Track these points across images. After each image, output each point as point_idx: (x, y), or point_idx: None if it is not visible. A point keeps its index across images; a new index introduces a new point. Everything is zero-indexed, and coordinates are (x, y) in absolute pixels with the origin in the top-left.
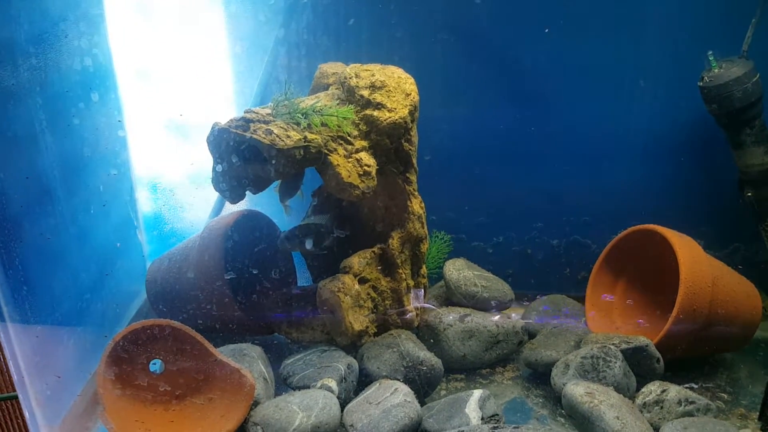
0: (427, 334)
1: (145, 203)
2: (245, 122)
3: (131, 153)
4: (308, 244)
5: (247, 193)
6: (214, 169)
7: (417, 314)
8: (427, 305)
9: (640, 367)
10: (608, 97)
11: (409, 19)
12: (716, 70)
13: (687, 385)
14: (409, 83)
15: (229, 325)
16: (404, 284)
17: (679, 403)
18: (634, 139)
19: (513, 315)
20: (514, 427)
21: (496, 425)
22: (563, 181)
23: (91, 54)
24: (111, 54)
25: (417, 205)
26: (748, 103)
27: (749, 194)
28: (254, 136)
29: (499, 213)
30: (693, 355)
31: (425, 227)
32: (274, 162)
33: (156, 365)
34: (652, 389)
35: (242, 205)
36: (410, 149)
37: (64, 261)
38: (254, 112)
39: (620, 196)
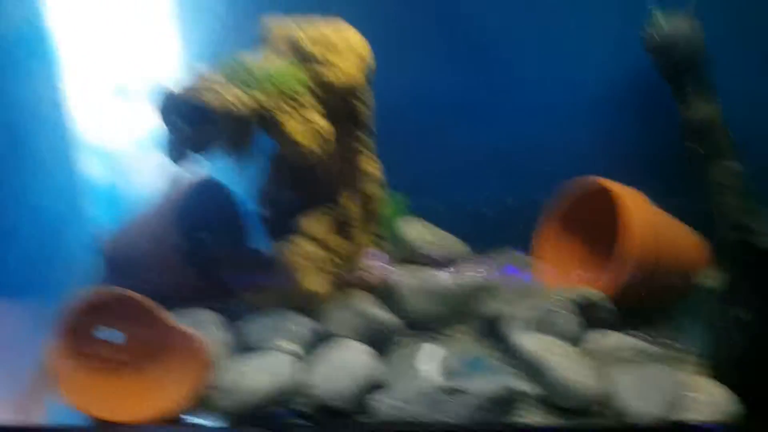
0: (384, 292)
1: (92, 169)
2: (191, 83)
3: (77, 119)
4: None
5: (203, 159)
6: (162, 135)
7: (373, 274)
8: (383, 265)
9: (590, 317)
10: (555, 51)
11: None
12: (660, 22)
13: (635, 334)
14: (361, 43)
15: (185, 292)
16: (360, 245)
17: (627, 351)
18: (581, 93)
19: (467, 271)
20: (468, 380)
21: (450, 378)
22: (514, 138)
23: (29, 16)
24: (50, 15)
25: (372, 165)
26: (691, 54)
27: (692, 146)
28: (202, 99)
29: (453, 172)
30: (640, 304)
31: (381, 188)
32: (223, 125)
33: (109, 334)
34: (602, 339)
35: (196, 169)
36: (364, 110)
37: (8, 231)
38: (201, 74)
39: (569, 150)
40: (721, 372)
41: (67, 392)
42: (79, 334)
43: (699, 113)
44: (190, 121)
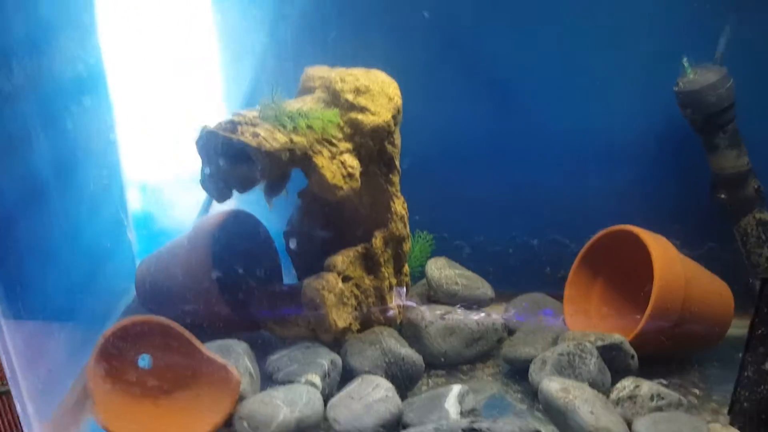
0: (409, 331)
1: (135, 202)
2: (233, 125)
3: (122, 153)
4: (292, 244)
5: (235, 192)
6: (202, 170)
7: (399, 312)
8: (409, 303)
9: (614, 363)
10: (586, 99)
11: (392, 23)
12: (691, 76)
13: (659, 381)
14: (392, 87)
15: (216, 322)
16: (387, 282)
17: (651, 398)
18: (612, 141)
19: (493, 313)
20: (492, 421)
21: (474, 419)
22: (541, 182)
23: (82, 60)
24: (102, 58)
25: (399, 205)
26: (722, 108)
27: (722, 196)
28: (241, 139)
29: (480, 213)
30: (667, 351)
31: (407, 227)
32: (260, 164)
33: (144, 360)
34: (626, 385)
35: (230, 204)
36: (393, 151)
37: (56, 260)
38: (242, 115)
39: (598, 196)
40: (745, 423)
41: (103, 415)
42: (115, 358)
43: (728, 165)
44: (229, 158)
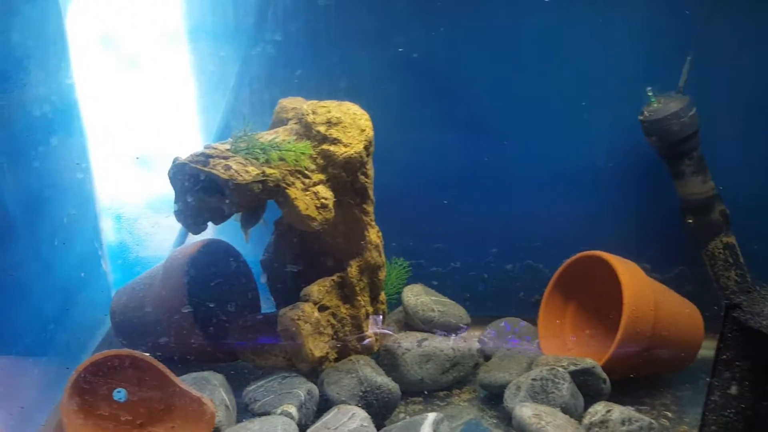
0: (386, 358)
1: (109, 233)
2: (205, 157)
3: (96, 185)
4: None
5: (214, 224)
6: (175, 202)
7: (376, 339)
8: (385, 330)
9: (587, 387)
10: (558, 129)
11: (365, 56)
12: (655, 105)
13: (630, 406)
14: (364, 119)
15: (192, 354)
16: (363, 311)
17: (623, 423)
18: (583, 169)
19: (469, 338)
20: None
21: None
22: (516, 209)
23: (50, 101)
24: (76, 95)
25: (374, 234)
26: (685, 135)
27: (690, 221)
28: (213, 171)
29: (455, 239)
30: (639, 375)
31: (383, 255)
32: (232, 196)
33: (120, 393)
34: (598, 410)
35: (207, 233)
36: (366, 182)
37: (29, 294)
38: (214, 147)
39: (570, 222)
40: None
41: None
42: (88, 393)
43: (694, 191)
44: (202, 191)
